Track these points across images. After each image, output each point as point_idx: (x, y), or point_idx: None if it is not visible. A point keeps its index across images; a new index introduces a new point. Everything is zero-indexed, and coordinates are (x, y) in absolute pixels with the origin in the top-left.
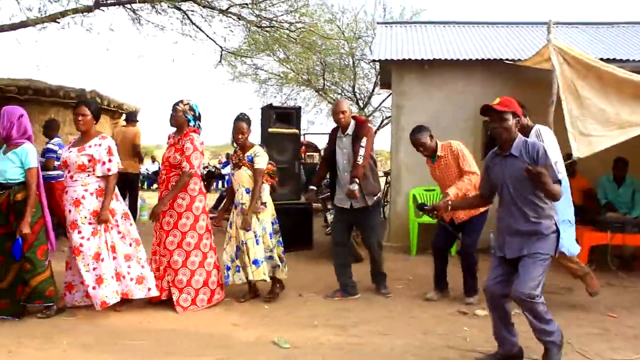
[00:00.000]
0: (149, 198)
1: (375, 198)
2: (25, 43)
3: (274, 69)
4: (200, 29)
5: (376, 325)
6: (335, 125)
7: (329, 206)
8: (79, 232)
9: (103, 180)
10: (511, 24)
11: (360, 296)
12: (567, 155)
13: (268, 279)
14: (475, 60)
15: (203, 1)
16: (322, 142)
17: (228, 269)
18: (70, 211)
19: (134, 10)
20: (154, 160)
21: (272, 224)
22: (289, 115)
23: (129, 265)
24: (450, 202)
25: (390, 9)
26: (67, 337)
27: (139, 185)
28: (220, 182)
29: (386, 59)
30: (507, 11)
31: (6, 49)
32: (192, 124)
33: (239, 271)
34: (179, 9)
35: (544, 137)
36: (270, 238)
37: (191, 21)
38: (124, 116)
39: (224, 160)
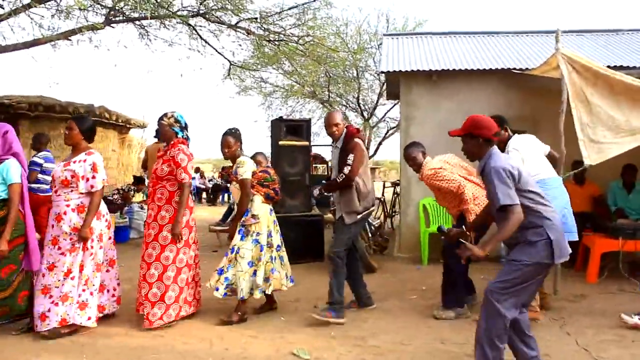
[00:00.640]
0: None
1: (357, 217)
2: (38, 60)
3: (279, 81)
4: (208, 43)
5: (394, 336)
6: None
7: None
8: (59, 248)
9: (88, 197)
10: (518, 34)
11: (375, 306)
12: (578, 163)
13: (221, 295)
14: (483, 70)
15: (212, 16)
16: (328, 154)
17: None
18: (53, 226)
19: (143, 26)
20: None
21: (268, 235)
22: (299, 128)
23: (84, 288)
24: (469, 230)
25: (393, 20)
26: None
27: None
28: (227, 195)
29: (394, 70)
30: (508, 20)
31: (18, 67)
32: (180, 135)
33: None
34: (188, 24)
35: (510, 148)
36: (261, 251)
37: (200, 36)
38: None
39: None
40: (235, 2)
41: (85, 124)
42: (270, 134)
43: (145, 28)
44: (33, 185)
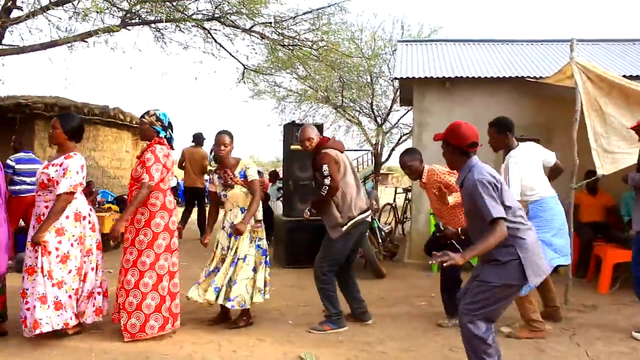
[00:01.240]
0: None
1: (341, 229)
2: (54, 62)
3: (293, 85)
4: (222, 47)
5: (402, 342)
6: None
7: None
8: (36, 251)
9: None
10: (533, 42)
11: (371, 322)
12: (591, 172)
13: (231, 307)
14: (497, 78)
15: (227, 20)
16: None
17: (197, 283)
18: (34, 227)
19: (158, 29)
20: None
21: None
22: None
23: (59, 292)
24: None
25: (408, 27)
26: None
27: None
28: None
29: (408, 77)
30: (522, 28)
31: (35, 68)
32: (162, 134)
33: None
34: (203, 28)
35: (511, 162)
36: (263, 255)
37: (214, 39)
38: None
39: None
40: (250, 7)
41: (69, 123)
42: (282, 138)
43: (161, 31)
44: (14, 188)
